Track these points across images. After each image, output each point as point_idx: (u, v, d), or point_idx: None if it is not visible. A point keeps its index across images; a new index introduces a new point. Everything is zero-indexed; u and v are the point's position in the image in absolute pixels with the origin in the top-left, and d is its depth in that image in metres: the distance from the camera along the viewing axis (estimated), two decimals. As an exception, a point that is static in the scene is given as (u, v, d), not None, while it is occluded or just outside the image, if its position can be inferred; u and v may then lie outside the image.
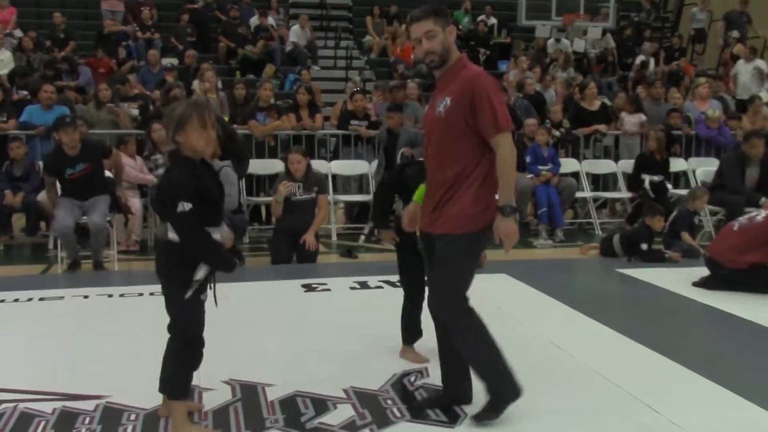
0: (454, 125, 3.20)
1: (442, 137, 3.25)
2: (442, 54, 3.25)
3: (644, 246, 7.21)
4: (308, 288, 6.06)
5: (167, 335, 3.31)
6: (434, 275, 3.37)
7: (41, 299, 5.75)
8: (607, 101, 11.08)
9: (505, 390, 3.30)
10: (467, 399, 3.57)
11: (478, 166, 3.22)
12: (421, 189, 3.56)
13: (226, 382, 3.84)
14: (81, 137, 6.81)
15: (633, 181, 9.33)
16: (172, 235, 3.14)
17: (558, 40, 15.08)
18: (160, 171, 7.51)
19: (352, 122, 9.30)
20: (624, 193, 9.65)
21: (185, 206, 3.02)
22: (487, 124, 3.15)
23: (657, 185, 9.03)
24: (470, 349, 3.32)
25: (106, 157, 6.97)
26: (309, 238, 6.92)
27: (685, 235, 7.53)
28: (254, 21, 14.83)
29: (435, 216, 3.31)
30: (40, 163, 8.04)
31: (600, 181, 10.00)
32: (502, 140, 3.15)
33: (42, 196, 7.58)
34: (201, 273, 3.17)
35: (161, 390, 3.34)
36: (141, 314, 5.21)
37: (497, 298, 5.61)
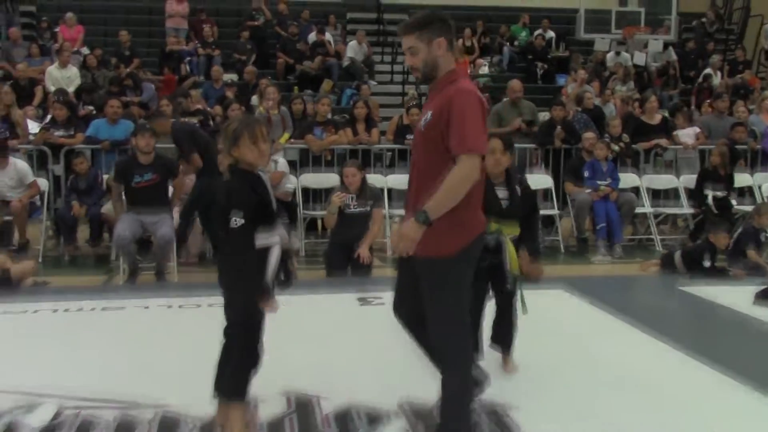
0: (432, 141, 3.01)
1: (421, 152, 3.10)
2: (425, 70, 3.07)
3: (707, 263, 7.03)
4: (363, 301, 6.07)
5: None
6: (425, 303, 3.10)
7: (103, 309, 5.88)
8: (668, 115, 10.86)
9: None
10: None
11: None
12: None
13: (282, 394, 3.87)
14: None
15: (696, 195, 9.11)
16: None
17: (618, 54, 14.88)
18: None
19: (408, 136, 9.32)
20: (686, 209, 9.42)
21: (237, 222, 3.17)
22: (455, 139, 2.91)
23: (720, 200, 8.81)
24: (450, 394, 3.09)
25: (174, 175, 7.14)
26: (363, 251, 6.93)
27: (751, 253, 7.31)
28: (312, 37, 15.02)
29: None
30: (105, 176, 8.29)
31: (661, 196, 9.79)
32: (467, 160, 2.88)
33: (107, 208, 7.80)
34: (269, 277, 3.26)
35: (217, 392, 3.40)
36: (199, 325, 5.28)
37: (554, 313, 5.53)
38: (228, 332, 3.38)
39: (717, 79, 14.38)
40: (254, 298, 3.26)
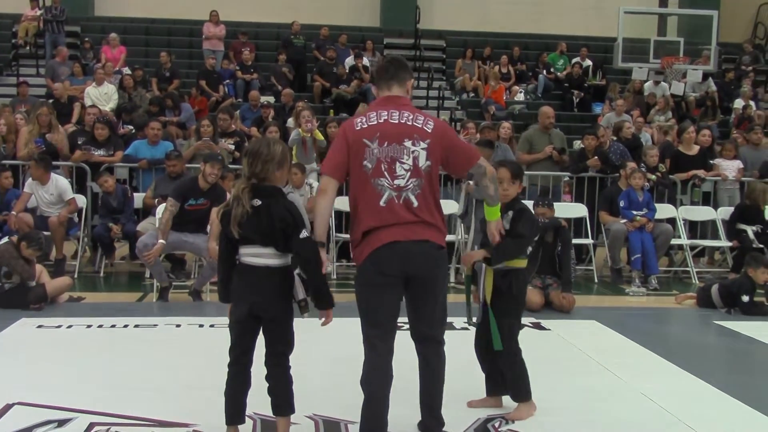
0: None
1: None
2: None
3: (745, 298, 6.88)
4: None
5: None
6: None
7: (136, 326, 5.95)
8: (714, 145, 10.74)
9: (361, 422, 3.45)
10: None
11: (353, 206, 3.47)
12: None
13: (310, 417, 3.88)
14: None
15: (730, 230, 9.04)
16: (277, 261, 3.40)
17: (656, 83, 14.77)
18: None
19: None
20: (723, 242, 9.26)
21: (306, 233, 3.37)
22: None
23: (762, 235, 8.70)
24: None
25: (221, 202, 7.19)
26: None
27: (791, 288, 7.15)
28: (349, 61, 15.17)
29: None
30: (137, 194, 8.44)
31: (698, 229, 9.64)
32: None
33: (142, 226, 7.90)
34: (302, 292, 3.44)
35: (285, 413, 3.53)
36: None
37: (587, 345, 5.45)
38: (279, 353, 3.48)
39: (753, 109, 14.22)
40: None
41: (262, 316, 3.43)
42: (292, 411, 3.54)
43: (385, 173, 3.34)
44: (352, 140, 3.38)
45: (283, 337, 3.47)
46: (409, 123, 3.40)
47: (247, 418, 3.67)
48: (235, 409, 3.52)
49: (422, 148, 3.38)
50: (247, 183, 3.40)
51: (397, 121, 3.39)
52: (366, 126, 3.39)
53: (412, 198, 3.36)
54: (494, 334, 3.96)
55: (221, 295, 3.63)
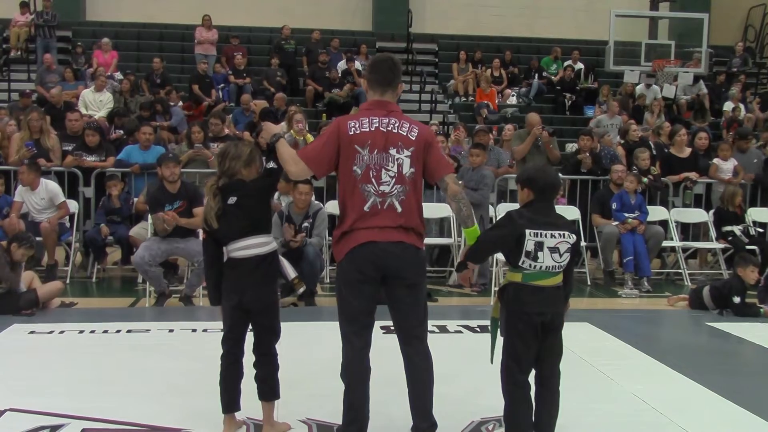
0: None
1: None
2: None
3: (737, 299, 6.91)
4: (387, 330, 6.00)
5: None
6: None
7: (128, 331, 5.93)
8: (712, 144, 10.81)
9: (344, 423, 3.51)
10: None
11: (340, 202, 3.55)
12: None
13: (303, 421, 3.88)
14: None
15: (717, 232, 9.18)
16: (265, 249, 3.62)
17: (648, 86, 14.83)
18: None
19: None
20: (715, 243, 9.30)
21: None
22: None
23: (751, 235, 8.80)
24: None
25: (200, 202, 7.18)
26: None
27: (782, 289, 7.19)
28: (342, 65, 15.18)
29: None
30: (135, 198, 8.40)
31: (690, 231, 9.67)
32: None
33: (134, 231, 7.88)
34: (291, 272, 3.83)
35: (271, 398, 3.68)
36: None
37: (579, 347, 5.46)
38: (267, 341, 3.65)
39: (742, 112, 14.30)
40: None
41: (252, 309, 3.60)
42: (278, 396, 3.70)
43: (372, 180, 3.41)
44: (345, 143, 3.42)
45: (271, 326, 3.65)
46: (395, 131, 3.45)
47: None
48: (231, 397, 3.66)
49: (406, 156, 3.45)
50: (216, 181, 3.61)
51: (385, 129, 3.44)
52: (359, 132, 3.42)
53: (396, 204, 3.43)
54: (492, 348, 3.65)
55: (213, 299, 3.74)
